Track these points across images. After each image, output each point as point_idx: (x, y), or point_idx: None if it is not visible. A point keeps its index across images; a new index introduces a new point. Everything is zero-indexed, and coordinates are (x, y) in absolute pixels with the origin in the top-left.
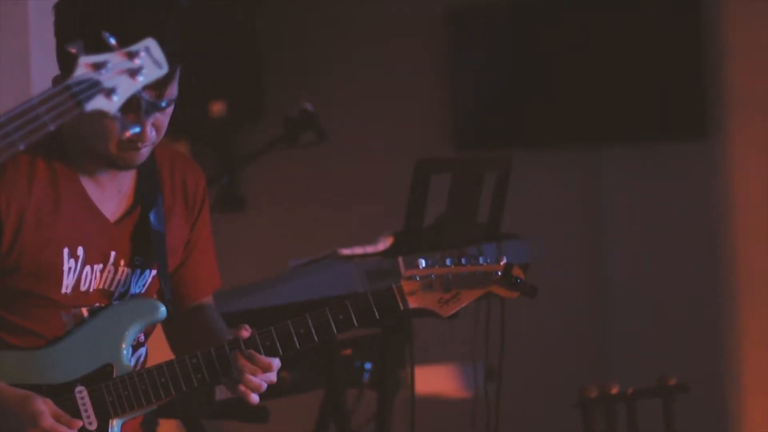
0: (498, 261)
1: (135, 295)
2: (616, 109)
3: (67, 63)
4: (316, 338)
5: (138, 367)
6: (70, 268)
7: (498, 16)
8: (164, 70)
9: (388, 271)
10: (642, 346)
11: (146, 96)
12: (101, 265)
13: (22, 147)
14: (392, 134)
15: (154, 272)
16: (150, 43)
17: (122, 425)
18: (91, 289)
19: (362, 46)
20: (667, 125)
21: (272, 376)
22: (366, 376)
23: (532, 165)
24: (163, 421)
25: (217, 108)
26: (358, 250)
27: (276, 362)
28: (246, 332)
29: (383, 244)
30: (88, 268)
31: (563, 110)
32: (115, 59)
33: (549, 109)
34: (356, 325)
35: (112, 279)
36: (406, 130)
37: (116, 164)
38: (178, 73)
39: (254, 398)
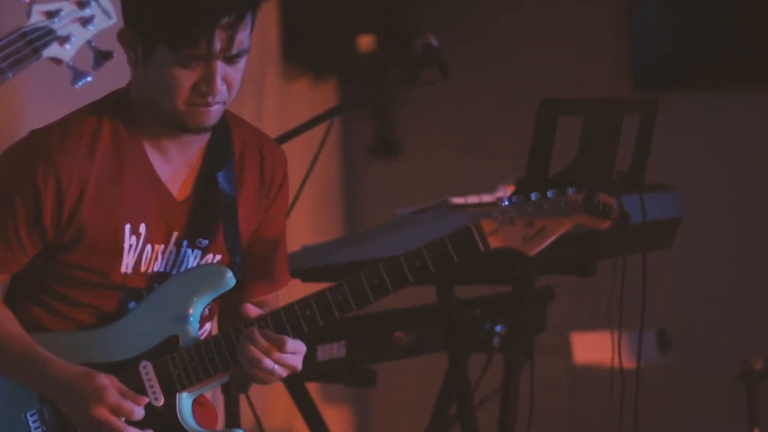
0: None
1: (200, 265)
2: None
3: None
4: (391, 289)
5: None
6: (131, 246)
7: None
8: (113, 20)
9: None
10: None
11: (97, 46)
12: (162, 246)
13: None
14: (564, 72)
15: (218, 257)
16: None
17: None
18: (150, 270)
19: None
20: None
21: (289, 359)
22: (496, 340)
23: (720, 108)
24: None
25: (365, 42)
26: (473, 199)
27: (292, 343)
28: (253, 311)
29: (503, 192)
30: (149, 247)
31: (752, 48)
32: (67, 8)
33: (739, 46)
34: (433, 271)
35: (174, 261)
36: (580, 68)
37: (186, 126)
38: (249, 22)
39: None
